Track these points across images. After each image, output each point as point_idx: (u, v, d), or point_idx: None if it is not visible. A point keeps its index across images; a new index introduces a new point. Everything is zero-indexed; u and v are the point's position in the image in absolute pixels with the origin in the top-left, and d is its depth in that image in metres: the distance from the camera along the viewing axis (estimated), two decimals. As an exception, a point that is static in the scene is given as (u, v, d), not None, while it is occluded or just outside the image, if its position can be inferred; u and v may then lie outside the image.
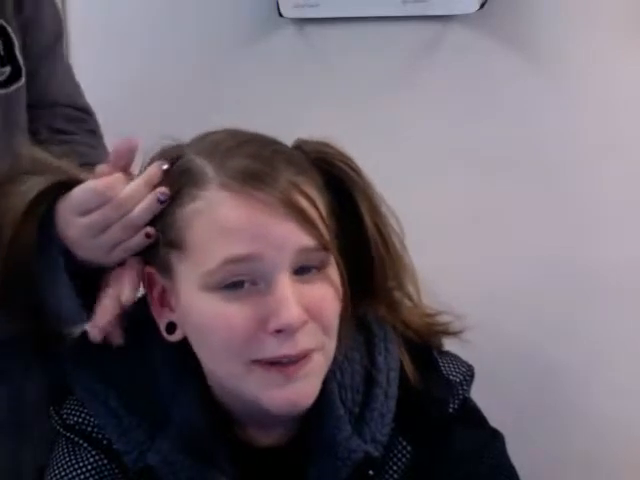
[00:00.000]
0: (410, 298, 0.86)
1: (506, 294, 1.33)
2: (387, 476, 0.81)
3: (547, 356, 1.33)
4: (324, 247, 0.74)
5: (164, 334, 0.80)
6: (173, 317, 0.80)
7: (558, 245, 1.30)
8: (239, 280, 0.73)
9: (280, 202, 0.71)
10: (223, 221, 0.72)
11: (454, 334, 0.89)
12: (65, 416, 0.84)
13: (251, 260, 0.72)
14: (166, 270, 0.78)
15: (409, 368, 0.84)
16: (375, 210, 0.82)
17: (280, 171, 0.74)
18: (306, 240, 0.73)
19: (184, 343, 0.80)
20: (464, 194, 1.35)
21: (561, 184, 1.30)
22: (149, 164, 0.81)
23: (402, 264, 0.84)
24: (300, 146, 0.82)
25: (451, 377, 0.85)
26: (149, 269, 0.80)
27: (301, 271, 0.74)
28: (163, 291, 0.80)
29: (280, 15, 1.35)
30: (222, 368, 0.77)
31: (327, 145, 0.82)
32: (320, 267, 0.76)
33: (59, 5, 1.41)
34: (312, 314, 0.74)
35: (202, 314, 0.75)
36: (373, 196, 0.82)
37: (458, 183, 1.35)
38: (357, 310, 0.83)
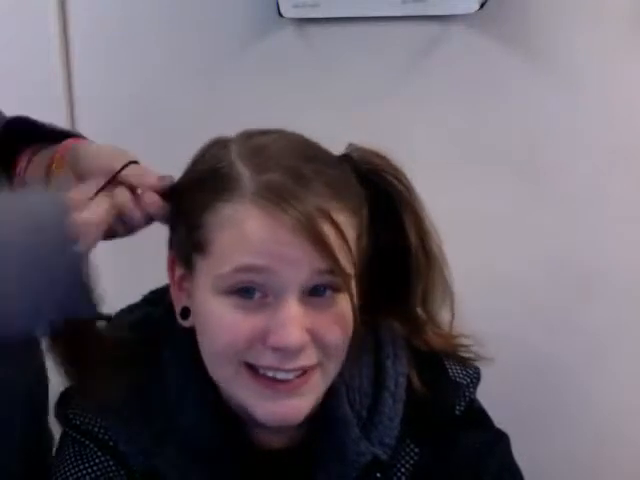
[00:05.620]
0: (437, 319, 0.85)
1: (506, 294, 1.34)
2: (395, 478, 0.82)
3: (547, 356, 1.33)
4: (339, 272, 0.73)
5: (178, 318, 0.81)
6: (188, 303, 0.80)
7: (558, 245, 1.31)
8: (249, 287, 0.73)
9: (302, 226, 0.70)
10: (246, 233, 0.72)
11: (478, 359, 0.88)
12: (71, 416, 0.84)
13: (263, 272, 0.72)
14: (187, 263, 0.78)
15: (417, 372, 0.84)
16: (422, 227, 0.81)
17: (313, 193, 0.72)
18: (321, 263, 0.72)
19: (193, 345, 0.80)
20: (464, 193, 1.35)
21: (561, 183, 1.30)
22: (194, 161, 0.80)
23: (444, 284, 0.83)
24: (349, 154, 0.80)
25: (458, 379, 0.86)
26: (172, 254, 0.81)
27: (315, 291, 0.74)
28: (183, 276, 0.80)
29: (280, 15, 1.35)
30: (217, 369, 0.78)
31: (378, 156, 0.81)
32: (335, 289, 0.75)
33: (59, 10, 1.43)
34: (315, 338, 0.74)
35: (209, 315, 0.76)
36: (421, 212, 0.81)
37: (458, 182, 1.35)
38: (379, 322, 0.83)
